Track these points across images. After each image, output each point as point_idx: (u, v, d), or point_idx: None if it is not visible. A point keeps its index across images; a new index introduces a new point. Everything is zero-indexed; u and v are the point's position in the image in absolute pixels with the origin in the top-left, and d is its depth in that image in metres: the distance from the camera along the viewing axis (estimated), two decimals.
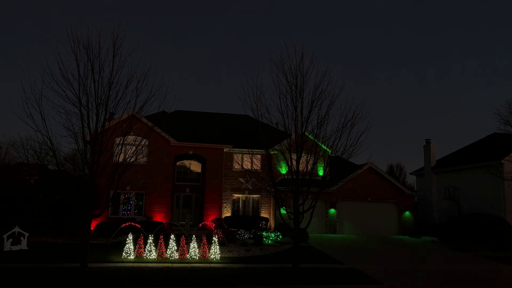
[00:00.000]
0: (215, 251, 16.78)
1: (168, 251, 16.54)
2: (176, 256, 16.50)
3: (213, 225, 21.77)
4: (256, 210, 29.26)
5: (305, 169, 15.21)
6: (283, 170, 17.84)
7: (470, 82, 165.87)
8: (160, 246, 16.54)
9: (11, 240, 17.57)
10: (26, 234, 18.02)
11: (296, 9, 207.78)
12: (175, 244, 16.68)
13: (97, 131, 13.75)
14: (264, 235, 22.30)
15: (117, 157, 14.29)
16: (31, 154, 30.31)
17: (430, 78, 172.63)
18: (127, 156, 14.50)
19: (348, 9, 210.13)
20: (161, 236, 17.14)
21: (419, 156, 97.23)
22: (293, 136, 15.55)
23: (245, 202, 29.29)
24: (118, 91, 13.96)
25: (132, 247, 16.40)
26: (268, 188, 16.46)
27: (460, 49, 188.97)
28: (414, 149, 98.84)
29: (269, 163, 15.84)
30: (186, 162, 29.44)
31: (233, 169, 29.17)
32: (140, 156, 15.86)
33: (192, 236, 17.35)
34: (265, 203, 29.25)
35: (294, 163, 15.06)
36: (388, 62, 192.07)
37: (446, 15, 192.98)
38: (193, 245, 16.75)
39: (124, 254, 16.20)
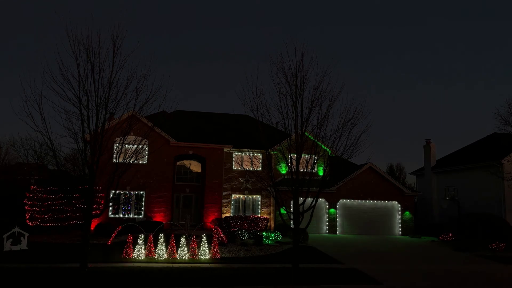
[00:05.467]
0: (215, 251, 16.74)
1: (168, 251, 16.56)
2: (177, 256, 16.51)
3: (213, 225, 21.74)
4: (256, 210, 29.28)
5: (305, 169, 15.20)
6: (283, 170, 17.86)
7: (470, 82, 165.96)
8: (161, 246, 16.53)
9: (11, 240, 17.56)
10: (26, 234, 18.01)
11: (295, 8, 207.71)
12: (174, 245, 16.70)
13: (97, 131, 13.73)
14: (264, 235, 22.29)
15: (117, 157, 14.29)
16: (31, 154, 30.44)
17: (431, 79, 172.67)
18: (127, 156, 14.49)
19: (351, 9, 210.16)
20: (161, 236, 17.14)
21: (419, 156, 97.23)
22: (293, 136, 15.53)
23: (245, 202, 29.29)
24: (118, 91, 13.95)
25: (131, 247, 16.42)
26: (268, 188, 16.44)
27: (459, 50, 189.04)
28: (414, 149, 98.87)
29: (269, 163, 15.81)
30: (186, 162, 29.45)
31: (233, 169, 29.18)
32: (140, 156, 15.87)
33: (192, 236, 17.36)
34: (265, 203, 29.26)
35: (294, 163, 15.05)
36: (388, 65, 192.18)
37: (447, 19, 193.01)
38: (194, 245, 16.73)
39: (124, 254, 16.24)
